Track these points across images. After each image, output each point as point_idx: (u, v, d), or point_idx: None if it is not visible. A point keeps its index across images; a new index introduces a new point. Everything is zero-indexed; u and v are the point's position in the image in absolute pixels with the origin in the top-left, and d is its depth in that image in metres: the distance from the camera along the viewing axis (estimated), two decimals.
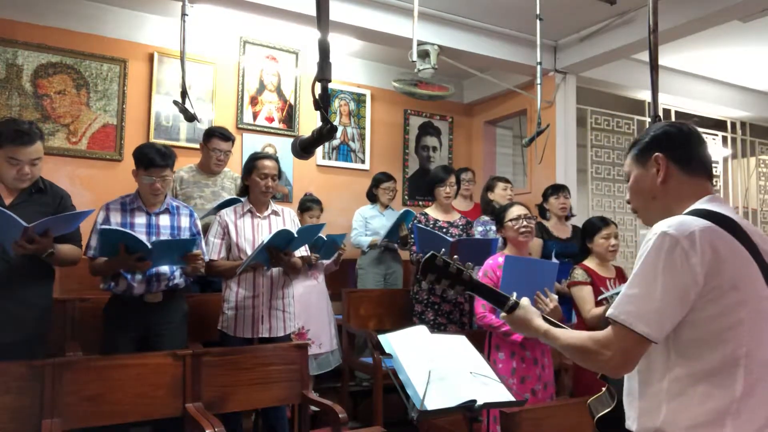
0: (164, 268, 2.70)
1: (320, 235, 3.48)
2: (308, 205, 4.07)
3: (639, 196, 1.40)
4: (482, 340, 2.87)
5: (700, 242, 1.16)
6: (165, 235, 2.73)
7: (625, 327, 1.19)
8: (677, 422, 1.19)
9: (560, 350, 1.38)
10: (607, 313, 1.24)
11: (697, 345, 1.19)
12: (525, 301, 1.53)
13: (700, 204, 1.28)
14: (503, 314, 1.53)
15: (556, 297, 2.62)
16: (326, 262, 3.94)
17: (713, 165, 6.49)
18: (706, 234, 1.17)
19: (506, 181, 4.21)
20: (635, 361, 1.23)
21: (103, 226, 2.56)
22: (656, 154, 1.34)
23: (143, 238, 2.64)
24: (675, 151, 1.33)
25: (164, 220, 2.77)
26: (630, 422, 1.30)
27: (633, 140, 1.44)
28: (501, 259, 2.86)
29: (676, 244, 1.17)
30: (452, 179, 3.76)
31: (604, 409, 1.54)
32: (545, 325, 1.44)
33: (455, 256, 1.61)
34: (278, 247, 2.81)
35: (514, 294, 1.54)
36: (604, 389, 1.60)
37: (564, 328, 1.43)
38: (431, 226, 3.67)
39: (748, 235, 1.23)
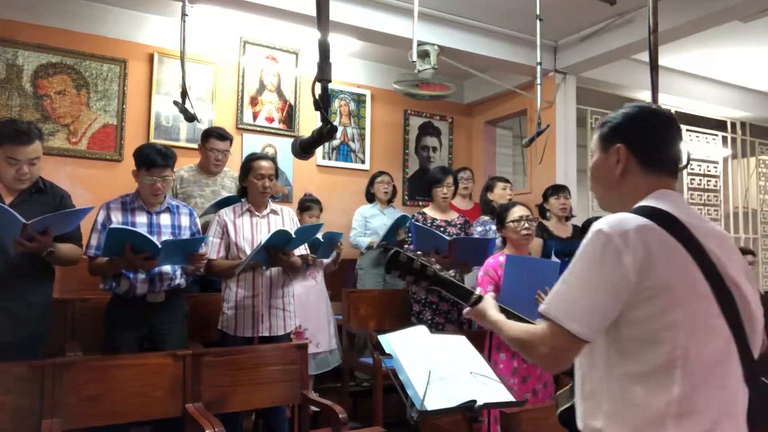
0: (167, 268, 2.71)
1: (317, 237, 3.48)
2: (307, 205, 4.07)
3: (598, 184, 1.37)
4: (482, 340, 2.87)
5: (634, 241, 1.14)
6: (166, 234, 2.74)
7: (557, 324, 1.18)
8: (618, 422, 1.18)
9: (507, 343, 1.37)
10: (540, 309, 1.23)
11: (635, 345, 1.16)
12: (488, 295, 1.55)
13: (648, 200, 1.25)
14: (467, 309, 1.56)
15: None
16: (326, 261, 3.94)
17: (714, 165, 6.45)
18: (641, 232, 1.15)
19: (506, 181, 4.21)
20: (568, 359, 1.21)
21: (113, 226, 2.54)
22: (618, 144, 1.29)
23: None
24: (639, 146, 1.28)
25: (165, 219, 2.77)
26: (578, 420, 1.29)
27: (603, 119, 1.39)
28: (502, 259, 2.86)
29: (608, 242, 1.15)
30: (450, 180, 3.77)
31: (565, 403, 1.53)
32: (496, 316, 1.46)
33: (419, 252, 1.62)
34: (276, 247, 2.81)
35: (478, 289, 1.58)
36: (570, 384, 1.59)
37: (527, 321, 1.41)
38: (429, 225, 3.68)
39: (692, 234, 1.19)
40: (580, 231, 3.29)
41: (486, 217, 4.03)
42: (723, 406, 1.15)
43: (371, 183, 4.62)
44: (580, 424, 1.27)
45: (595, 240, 1.18)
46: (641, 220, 1.18)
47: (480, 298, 1.55)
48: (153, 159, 2.64)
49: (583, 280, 1.18)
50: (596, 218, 3.21)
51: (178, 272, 2.79)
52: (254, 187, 3.00)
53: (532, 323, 1.37)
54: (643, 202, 1.25)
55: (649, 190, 1.27)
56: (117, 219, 2.67)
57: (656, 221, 1.18)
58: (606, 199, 1.37)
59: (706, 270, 1.17)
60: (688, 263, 1.16)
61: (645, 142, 1.29)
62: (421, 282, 1.60)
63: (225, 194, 3.60)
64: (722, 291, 1.17)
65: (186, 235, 2.81)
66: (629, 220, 1.18)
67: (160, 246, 2.48)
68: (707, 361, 1.15)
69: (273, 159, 3.08)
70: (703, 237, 1.20)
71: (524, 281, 2.62)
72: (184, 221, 2.84)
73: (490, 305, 1.52)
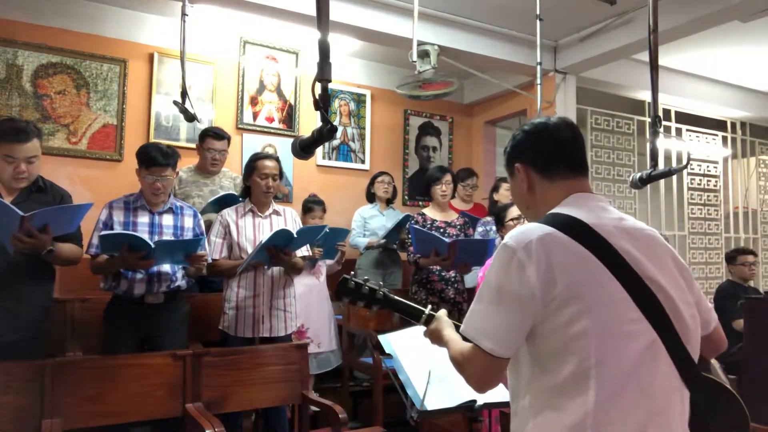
0: (165, 268, 2.70)
1: (324, 225, 3.48)
2: (310, 206, 4.07)
3: (519, 206, 1.40)
4: None
5: (536, 251, 1.12)
6: (168, 235, 2.73)
7: (473, 343, 1.17)
8: None
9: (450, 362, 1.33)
10: (461, 329, 1.21)
11: (550, 358, 1.13)
12: (441, 312, 1.49)
13: (557, 208, 1.23)
14: (423, 328, 1.50)
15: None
16: (329, 262, 3.94)
17: (714, 165, 6.44)
18: (542, 242, 1.13)
19: None
20: (492, 378, 1.18)
21: (103, 233, 2.55)
22: (516, 164, 1.32)
23: (145, 237, 2.65)
24: (531, 158, 1.30)
25: (167, 220, 2.77)
26: None
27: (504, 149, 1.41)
28: None
29: (512, 256, 1.13)
30: (448, 177, 3.78)
31: None
32: (449, 336, 1.37)
33: (365, 278, 1.61)
34: (278, 247, 2.81)
35: (429, 307, 1.52)
36: None
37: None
38: (429, 226, 3.68)
39: (601, 237, 1.16)
40: None
41: (489, 218, 4.04)
42: (649, 412, 1.10)
43: (372, 183, 4.63)
44: None
45: (502, 254, 1.16)
46: (544, 230, 1.16)
47: (431, 317, 1.48)
48: (153, 157, 2.64)
49: (492, 296, 1.16)
50: None
51: (179, 274, 2.78)
52: (258, 186, 3.00)
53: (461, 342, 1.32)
54: (554, 210, 1.24)
55: (560, 196, 1.26)
56: (119, 218, 2.67)
57: (560, 228, 1.16)
58: (527, 217, 1.37)
59: (620, 273, 1.13)
60: (597, 268, 1.13)
61: (535, 153, 1.30)
62: (373, 306, 1.58)
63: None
64: (641, 292, 1.13)
65: (189, 236, 2.80)
66: (532, 230, 1.16)
67: (153, 246, 2.48)
68: (625, 367, 1.10)
69: (277, 159, 3.08)
70: (615, 239, 1.17)
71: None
72: (188, 222, 2.83)
73: (444, 323, 1.44)
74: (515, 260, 1.13)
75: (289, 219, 3.13)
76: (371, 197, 4.63)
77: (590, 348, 1.09)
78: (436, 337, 1.44)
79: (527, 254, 1.12)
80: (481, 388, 1.21)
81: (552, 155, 1.29)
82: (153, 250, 2.49)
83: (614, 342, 1.10)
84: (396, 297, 1.58)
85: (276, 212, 3.11)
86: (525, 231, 1.17)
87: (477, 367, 1.18)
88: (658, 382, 1.12)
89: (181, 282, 2.79)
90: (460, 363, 1.24)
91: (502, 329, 1.14)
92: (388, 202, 4.64)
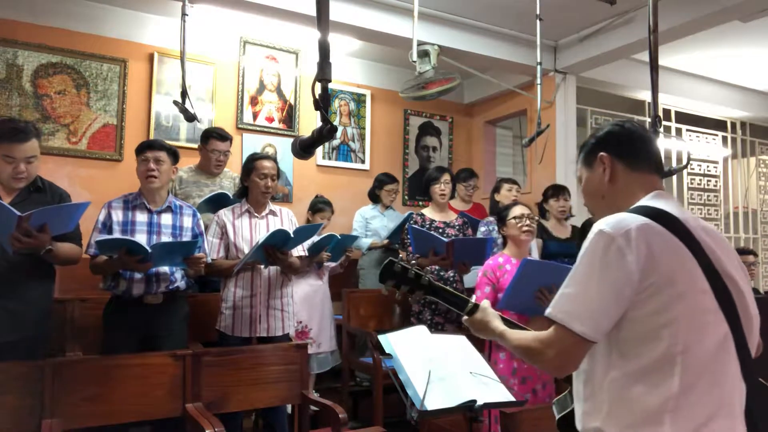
0: (164, 269, 2.70)
1: (334, 233, 3.50)
2: (320, 206, 4.06)
3: (590, 197, 1.43)
4: (483, 340, 2.87)
5: (636, 240, 1.16)
6: (166, 234, 2.73)
7: (562, 326, 1.19)
8: (618, 421, 1.19)
9: (512, 351, 1.37)
10: (546, 312, 1.24)
11: (635, 343, 1.18)
12: (485, 303, 1.53)
13: (644, 200, 1.29)
14: (464, 317, 1.54)
15: None
16: (333, 264, 3.94)
17: (714, 165, 6.45)
18: (642, 231, 1.17)
19: (512, 182, 4.22)
20: (576, 361, 1.22)
21: (99, 238, 2.54)
22: (601, 153, 1.36)
23: (143, 236, 2.64)
24: (619, 149, 1.35)
25: (166, 219, 2.77)
26: (577, 422, 1.30)
27: (581, 145, 1.46)
28: (501, 260, 2.86)
29: (611, 242, 1.17)
30: (446, 177, 3.78)
31: (563, 410, 1.53)
32: (501, 327, 1.44)
33: (413, 262, 1.60)
34: (275, 246, 2.81)
35: (473, 297, 1.56)
36: (567, 390, 1.59)
37: (525, 329, 1.43)
38: (427, 226, 3.68)
39: (689, 231, 1.22)
40: (580, 231, 3.28)
41: (491, 218, 4.05)
42: (719, 400, 1.16)
43: (380, 187, 4.57)
44: (578, 425, 1.28)
45: (598, 240, 1.19)
46: (641, 219, 1.20)
47: (476, 307, 1.52)
48: (149, 143, 2.73)
49: (587, 281, 1.19)
50: (594, 218, 3.24)
51: (178, 274, 2.78)
52: (256, 186, 3.00)
53: (526, 330, 1.39)
54: (640, 203, 1.28)
55: (641, 190, 1.32)
56: (117, 218, 2.67)
57: (655, 220, 1.20)
58: (599, 208, 1.41)
59: (704, 266, 1.19)
60: (688, 259, 1.18)
61: (624, 145, 1.36)
62: (417, 292, 1.58)
63: None
64: (720, 286, 1.19)
65: (188, 236, 2.80)
66: (629, 219, 1.20)
67: (149, 250, 2.48)
68: (705, 356, 1.16)
69: (275, 159, 3.08)
70: (699, 233, 1.23)
71: (535, 284, 2.59)
72: (187, 222, 2.83)
73: (491, 315, 1.49)
74: (614, 247, 1.16)
75: (286, 219, 3.13)
76: (374, 198, 4.61)
77: (680, 334, 1.15)
78: (480, 327, 1.49)
79: (626, 241, 1.16)
80: (561, 371, 1.26)
81: (641, 150, 1.35)
82: (150, 254, 2.49)
83: (698, 331, 1.16)
84: (440, 284, 1.60)
85: (272, 212, 3.11)
86: (621, 219, 1.20)
87: (562, 350, 1.20)
88: (728, 375, 1.18)
89: (180, 282, 2.79)
90: (534, 348, 1.26)
91: (597, 313, 1.17)
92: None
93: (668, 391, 1.14)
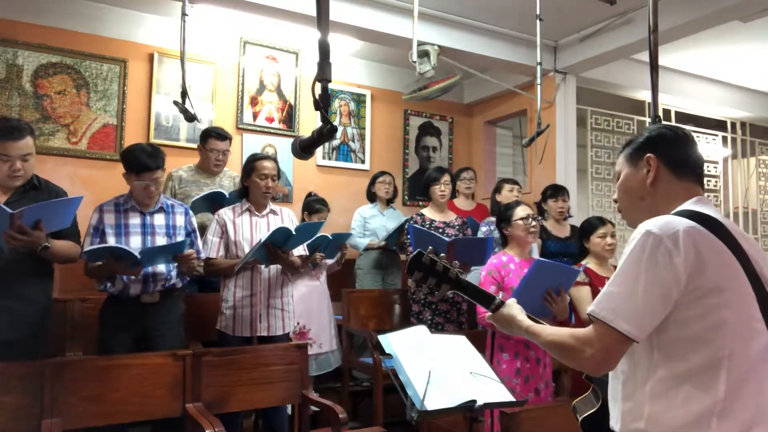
0: (161, 268, 2.69)
1: (325, 234, 3.48)
2: (317, 207, 4.02)
3: (627, 196, 1.40)
4: (483, 340, 2.87)
5: (684, 242, 1.16)
6: (160, 235, 2.72)
7: (606, 324, 1.19)
8: (661, 423, 1.18)
9: (543, 347, 1.37)
10: (588, 310, 1.24)
11: (680, 345, 1.18)
12: (512, 300, 1.53)
13: (687, 205, 1.28)
14: (489, 314, 1.53)
15: (567, 297, 2.67)
16: (329, 261, 3.94)
17: (714, 165, 6.45)
18: (690, 234, 1.17)
19: (513, 182, 4.22)
20: (616, 360, 1.22)
21: (88, 248, 2.52)
22: (648, 154, 1.34)
23: (138, 238, 2.63)
24: (668, 153, 1.34)
25: (159, 220, 2.75)
26: (613, 422, 1.29)
27: (628, 139, 1.45)
28: (504, 258, 2.86)
29: (659, 243, 1.17)
30: (446, 178, 3.78)
31: (588, 410, 1.53)
32: (527, 322, 1.43)
33: (442, 255, 1.59)
34: (276, 245, 2.81)
35: (500, 294, 1.53)
36: (589, 390, 1.59)
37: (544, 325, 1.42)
38: (427, 226, 3.69)
39: (733, 236, 1.22)
40: (579, 232, 3.28)
41: (493, 218, 4.04)
42: (760, 406, 1.16)
43: (373, 182, 4.62)
44: (616, 426, 1.28)
45: (645, 241, 1.19)
46: (688, 222, 1.20)
47: (502, 303, 1.51)
48: (144, 163, 2.60)
49: (633, 281, 1.19)
50: (593, 218, 3.24)
51: (173, 272, 2.77)
52: (257, 187, 2.99)
53: (551, 326, 1.38)
54: (683, 207, 1.28)
55: (680, 195, 1.32)
56: (110, 222, 2.64)
57: (700, 224, 1.21)
58: (633, 209, 1.39)
59: (749, 272, 1.20)
60: (734, 265, 1.19)
61: (673, 151, 1.34)
62: (443, 285, 1.55)
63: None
64: (762, 293, 1.20)
65: (181, 234, 2.78)
66: (676, 221, 1.20)
67: (138, 255, 2.46)
68: (749, 362, 1.16)
69: (276, 159, 3.08)
70: (742, 241, 1.23)
71: (545, 285, 2.60)
72: (179, 221, 2.82)
73: (517, 310, 1.48)
74: (662, 248, 1.16)
75: (286, 219, 3.12)
76: (372, 197, 4.63)
77: (727, 338, 1.15)
78: (507, 323, 1.49)
79: (674, 243, 1.16)
80: (599, 370, 1.24)
81: (688, 158, 1.35)
82: (140, 260, 2.49)
83: (743, 337, 1.16)
84: (467, 280, 1.58)
85: (273, 212, 3.10)
86: (669, 221, 1.20)
87: (603, 348, 1.20)
88: None
89: (176, 280, 2.78)
90: (571, 345, 1.25)
91: (642, 312, 1.17)
92: (389, 202, 4.63)
93: (715, 396, 1.15)
